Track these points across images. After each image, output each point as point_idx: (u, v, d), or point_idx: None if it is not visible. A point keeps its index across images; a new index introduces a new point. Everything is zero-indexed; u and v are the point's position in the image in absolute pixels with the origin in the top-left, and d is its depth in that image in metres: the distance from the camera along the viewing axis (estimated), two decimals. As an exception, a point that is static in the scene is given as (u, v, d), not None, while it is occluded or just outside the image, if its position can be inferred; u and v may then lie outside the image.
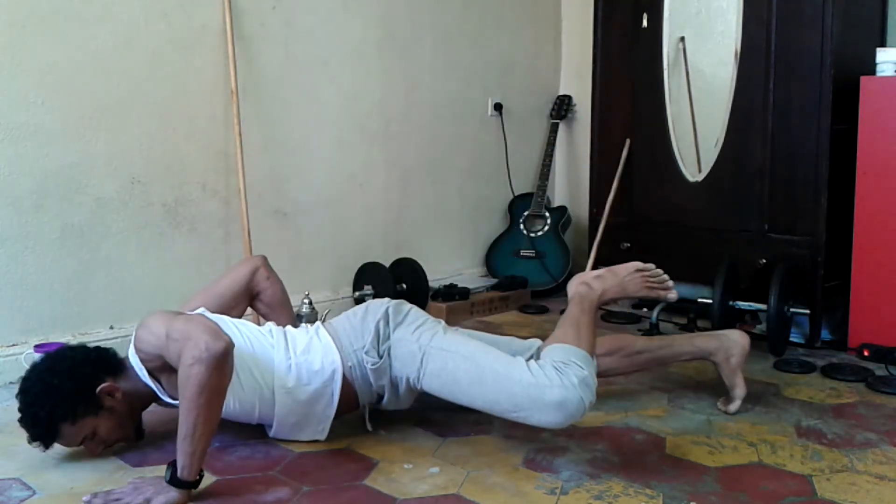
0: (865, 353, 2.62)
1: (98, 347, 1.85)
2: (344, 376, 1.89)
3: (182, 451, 1.58)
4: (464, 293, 3.27)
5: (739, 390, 2.14)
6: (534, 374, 1.72)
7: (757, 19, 2.88)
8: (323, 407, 1.90)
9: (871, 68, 2.73)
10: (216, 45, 2.77)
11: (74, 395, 1.71)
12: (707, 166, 3.08)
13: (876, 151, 2.63)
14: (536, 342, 2.12)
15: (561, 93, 4.06)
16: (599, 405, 2.18)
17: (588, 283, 2.06)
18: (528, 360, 1.80)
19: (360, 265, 3.23)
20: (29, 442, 1.75)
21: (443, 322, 1.99)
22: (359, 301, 3.21)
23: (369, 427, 1.98)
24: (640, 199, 3.30)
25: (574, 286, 2.08)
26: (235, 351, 1.66)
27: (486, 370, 1.79)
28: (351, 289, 3.23)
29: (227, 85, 2.78)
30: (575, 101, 3.99)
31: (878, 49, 2.74)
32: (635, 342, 2.20)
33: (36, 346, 2.35)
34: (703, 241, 3.06)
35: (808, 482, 1.71)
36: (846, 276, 2.72)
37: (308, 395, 1.87)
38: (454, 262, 3.71)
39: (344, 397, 1.89)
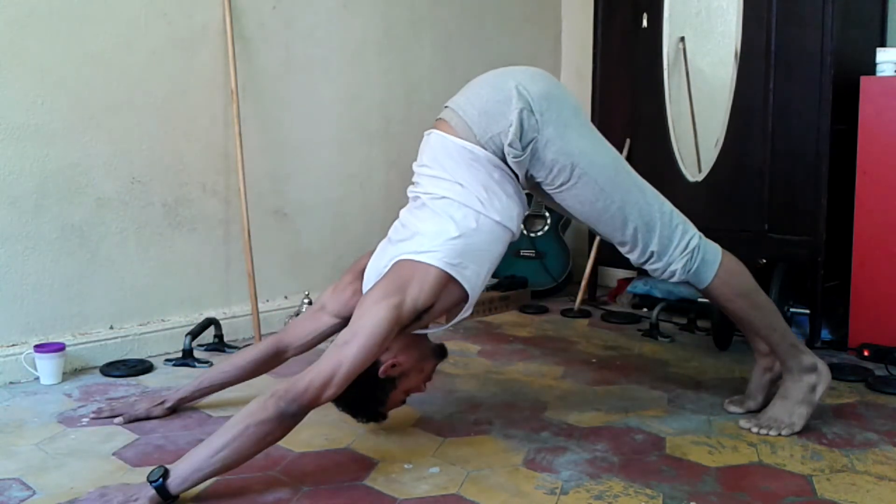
0: (865, 353, 2.62)
1: None
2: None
3: (189, 460, 1.55)
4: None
5: (753, 403, 2.12)
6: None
7: (757, 19, 2.88)
8: (515, 206, 1.88)
9: (871, 68, 2.73)
10: (216, 45, 2.77)
11: (371, 398, 1.83)
12: (707, 166, 3.08)
13: (876, 151, 2.63)
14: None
15: (561, 93, 4.06)
16: (599, 405, 2.18)
17: (821, 382, 2.02)
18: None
19: (360, 265, 3.22)
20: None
21: (588, 119, 1.94)
22: (359, 301, 3.20)
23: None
24: (640, 199, 3.30)
25: (825, 369, 2.04)
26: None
27: (632, 214, 1.88)
28: (351, 289, 3.23)
29: (227, 85, 2.78)
30: (575, 101, 3.99)
31: (878, 49, 2.74)
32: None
33: (36, 347, 2.35)
34: (703, 241, 3.06)
35: (808, 482, 1.71)
36: (846, 276, 2.72)
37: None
38: (454, 262, 3.71)
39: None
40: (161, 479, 1.52)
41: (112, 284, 2.59)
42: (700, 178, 3.11)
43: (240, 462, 1.58)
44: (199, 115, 2.75)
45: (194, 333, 2.59)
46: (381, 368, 1.79)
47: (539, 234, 3.74)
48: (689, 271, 1.93)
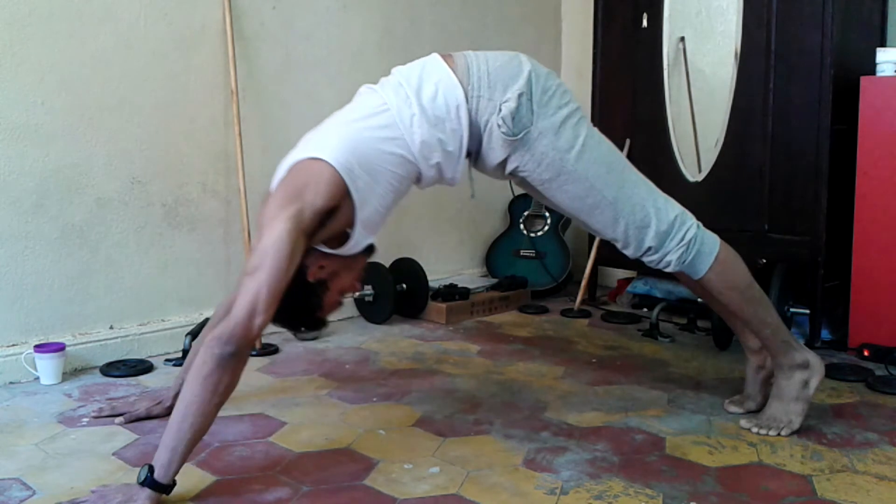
0: (865, 353, 2.62)
1: None
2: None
3: (164, 444, 1.53)
4: (464, 293, 3.27)
5: (753, 403, 2.11)
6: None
7: (757, 19, 2.88)
8: (454, 149, 1.83)
9: (871, 68, 2.73)
10: (216, 45, 2.77)
11: (305, 305, 1.79)
12: (707, 166, 3.08)
13: (876, 151, 2.63)
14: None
15: (561, 93, 4.05)
16: (599, 405, 2.18)
17: (814, 376, 2.01)
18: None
19: (360, 265, 3.22)
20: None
21: (583, 113, 1.90)
22: (359, 301, 3.21)
23: (472, 175, 1.95)
24: (640, 199, 3.30)
25: (817, 361, 2.02)
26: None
27: (621, 218, 1.87)
28: (351, 289, 3.23)
29: (227, 85, 2.78)
30: (575, 101, 3.99)
31: (878, 49, 2.74)
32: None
33: (36, 347, 2.35)
34: (703, 241, 3.06)
35: (808, 482, 1.71)
36: (846, 276, 2.72)
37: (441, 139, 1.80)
38: (454, 262, 3.71)
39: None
40: (149, 475, 1.52)
41: (112, 284, 2.59)
42: (700, 178, 3.11)
43: (208, 421, 1.56)
44: (199, 115, 2.75)
45: (194, 333, 2.58)
46: (309, 272, 1.77)
47: (539, 234, 3.74)
48: (684, 262, 1.92)
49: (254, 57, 2.89)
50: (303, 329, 1.89)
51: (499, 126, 1.79)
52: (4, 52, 2.32)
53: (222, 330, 1.56)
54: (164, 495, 1.55)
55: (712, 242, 1.95)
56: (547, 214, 3.76)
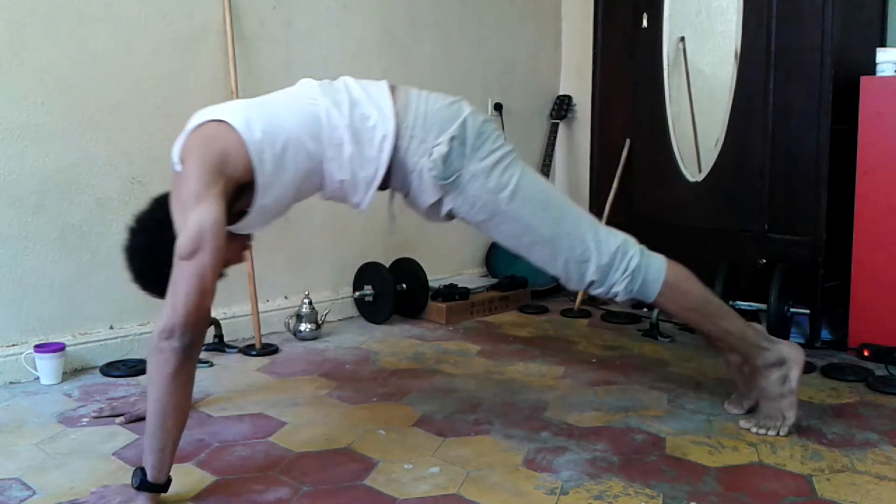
0: (865, 353, 2.62)
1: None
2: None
3: (149, 448, 1.51)
4: (464, 293, 3.27)
5: (749, 402, 2.10)
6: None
7: (757, 19, 2.88)
8: (367, 176, 1.80)
9: (871, 68, 2.73)
10: (216, 45, 2.77)
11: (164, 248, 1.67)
12: (707, 166, 3.08)
13: (876, 151, 2.63)
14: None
15: (561, 93, 4.06)
16: (599, 405, 2.18)
17: (793, 368, 1.98)
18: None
19: (360, 265, 3.22)
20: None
21: (516, 153, 1.90)
22: (359, 301, 3.21)
23: (393, 212, 1.92)
24: (640, 199, 3.30)
25: (793, 352, 2.00)
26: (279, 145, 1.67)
27: (560, 254, 1.87)
28: (351, 289, 3.23)
29: (227, 85, 2.78)
30: (575, 101, 3.99)
31: (878, 49, 2.74)
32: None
33: (36, 347, 2.35)
34: (703, 241, 3.07)
35: (808, 482, 1.71)
36: (846, 276, 2.72)
37: (355, 155, 1.78)
38: (454, 262, 3.71)
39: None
40: (143, 479, 1.52)
41: (112, 284, 2.59)
42: (700, 178, 3.11)
43: (185, 414, 1.55)
44: (199, 115, 2.75)
45: (194, 333, 2.58)
46: None
47: (539, 234, 3.74)
48: (631, 291, 1.92)
49: (254, 57, 2.89)
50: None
51: (429, 169, 1.79)
52: (4, 52, 2.32)
53: (173, 322, 1.51)
54: (162, 493, 1.56)
55: (658, 267, 1.94)
56: (547, 214, 3.76)
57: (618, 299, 1.94)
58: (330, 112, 1.76)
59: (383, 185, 1.86)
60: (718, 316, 1.99)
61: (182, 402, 1.54)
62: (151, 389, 1.52)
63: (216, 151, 1.65)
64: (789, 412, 1.97)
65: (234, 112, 1.73)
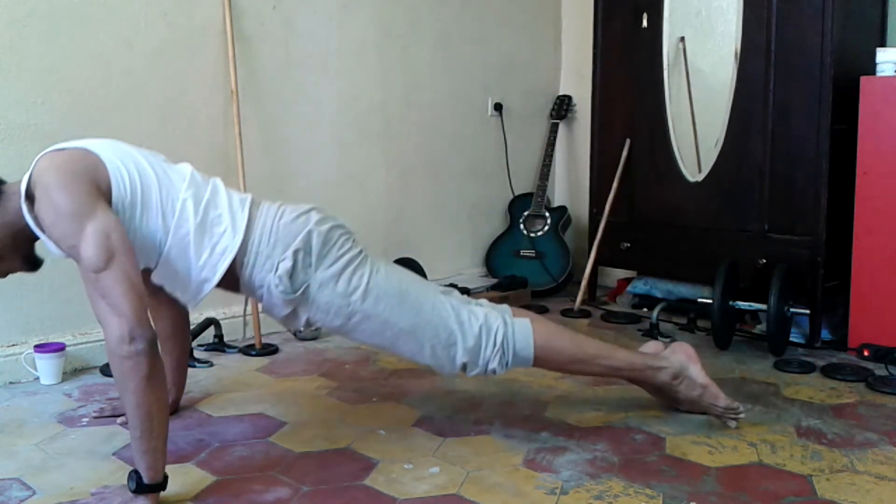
0: (865, 353, 2.62)
1: None
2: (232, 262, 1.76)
3: (141, 451, 1.51)
4: (464, 293, 3.27)
5: (722, 401, 2.02)
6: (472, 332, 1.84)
7: (757, 19, 2.88)
8: (199, 281, 1.77)
9: (871, 68, 2.73)
10: (216, 45, 2.77)
11: None
12: (707, 166, 3.08)
13: (876, 151, 2.63)
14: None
15: (561, 93, 4.06)
16: (599, 405, 2.18)
17: (689, 369, 2.00)
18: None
19: (360, 265, 3.22)
20: None
21: (366, 253, 1.87)
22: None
23: (247, 310, 1.90)
24: (640, 199, 3.30)
25: (682, 355, 2.02)
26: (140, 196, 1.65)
27: (426, 342, 1.83)
28: (351, 289, 3.23)
29: (227, 85, 2.78)
30: (575, 101, 3.99)
31: (878, 49, 2.73)
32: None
33: (36, 347, 2.35)
34: (703, 241, 3.07)
35: (808, 482, 1.71)
36: (846, 276, 2.72)
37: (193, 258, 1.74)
38: (454, 262, 3.71)
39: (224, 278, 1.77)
40: (139, 481, 1.52)
41: (112, 284, 2.58)
42: (700, 178, 3.11)
43: (167, 408, 1.57)
44: (199, 115, 2.75)
45: (194, 333, 2.59)
46: None
47: (539, 234, 3.74)
48: (507, 364, 1.88)
49: (254, 57, 2.89)
50: None
51: (276, 285, 1.77)
52: (4, 52, 2.32)
53: (127, 326, 1.49)
54: (161, 493, 1.56)
55: (524, 334, 1.88)
56: (547, 214, 3.76)
57: (497, 374, 1.88)
58: (186, 204, 1.74)
59: (235, 289, 1.84)
60: (601, 357, 1.97)
61: (162, 398, 1.54)
62: (129, 397, 1.50)
63: (84, 167, 1.64)
64: (718, 400, 1.99)
65: (95, 144, 1.72)
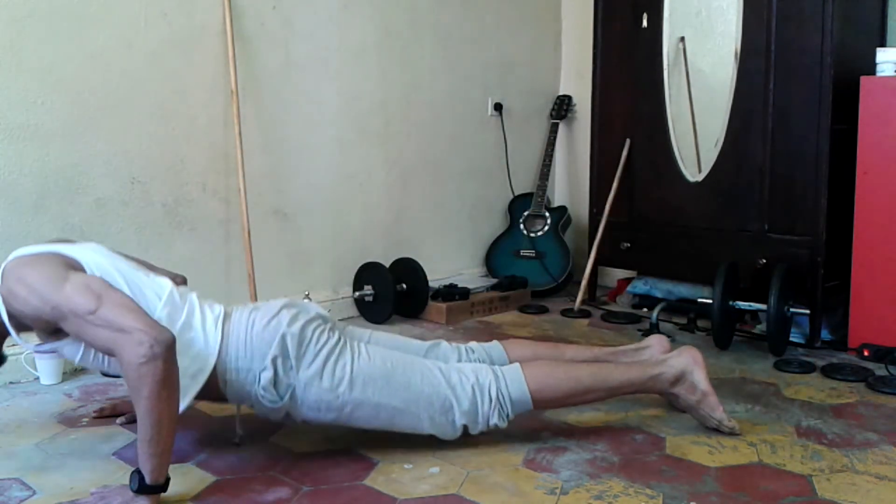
0: (865, 353, 2.62)
1: None
2: (210, 375, 1.74)
3: (147, 455, 1.51)
4: (464, 293, 3.27)
5: (718, 413, 2.01)
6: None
7: (757, 19, 2.89)
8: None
9: (871, 68, 2.73)
10: (216, 45, 2.77)
11: None
12: (707, 166, 3.09)
13: (876, 151, 2.63)
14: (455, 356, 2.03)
15: (561, 93, 4.06)
16: (599, 405, 2.18)
17: (693, 373, 1.99)
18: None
19: (360, 265, 3.23)
20: None
21: (346, 339, 1.85)
22: (359, 301, 3.21)
23: (238, 433, 1.89)
24: (640, 199, 3.30)
25: (688, 358, 2.01)
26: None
27: (422, 414, 1.82)
28: (351, 289, 3.23)
29: (227, 85, 2.78)
30: (575, 101, 3.99)
31: (878, 49, 2.74)
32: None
33: (36, 346, 2.34)
34: (703, 241, 3.07)
35: (808, 482, 1.71)
36: (846, 276, 2.72)
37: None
38: (454, 262, 3.71)
39: (204, 390, 1.75)
40: (141, 482, 1.52)
41: (112, 284, 2.59)
42: (700, 178, 3.11)
43: (175, 419, 1.55)
44: (199, 115, 2.75)
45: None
46: None
47: (539, 234, 3.74)
48: (508, 416, 1.87)
49: (254, 57, 2.89)
50: None
51: (262, 396, 1.76)
52: (4, 52, 2.32)
53: (142, 339, 1.50)
54: (162, 494, 1.56)
55: (517, 381, 1.87)
56: (547, 214, 3.76)
57: (500, 427, 1.87)
58: (175, 304, 1.74)
59: (223, 400, 1.82)
60: (598, 381, 1.95)
61: (174, 405, 1.54)
62: (142, 402, 1.50)
63: (53, 256, 1.66)
64: (714, 412, 1.97)
65: (69, 249, 1.72)
